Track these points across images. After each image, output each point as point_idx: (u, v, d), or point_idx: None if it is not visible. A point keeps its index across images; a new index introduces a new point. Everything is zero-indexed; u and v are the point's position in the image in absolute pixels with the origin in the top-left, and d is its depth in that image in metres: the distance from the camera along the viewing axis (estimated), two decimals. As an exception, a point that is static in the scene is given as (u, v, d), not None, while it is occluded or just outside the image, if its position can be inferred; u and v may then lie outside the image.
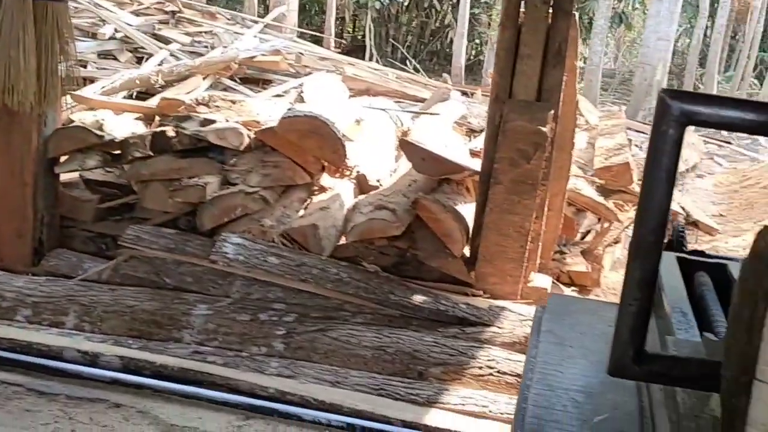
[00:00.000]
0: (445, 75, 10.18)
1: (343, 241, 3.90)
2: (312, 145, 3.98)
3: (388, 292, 3.66)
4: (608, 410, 1.67)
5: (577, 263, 4.54)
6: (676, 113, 1.36)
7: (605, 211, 4.60)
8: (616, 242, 5.04)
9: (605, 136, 5.97)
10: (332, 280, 3.67)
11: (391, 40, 15.62)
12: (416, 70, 12.29)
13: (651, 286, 1.52)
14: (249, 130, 4.24)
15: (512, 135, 3.63)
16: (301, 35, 11.36)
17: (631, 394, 1.72)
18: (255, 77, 7.35)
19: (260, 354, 3.45)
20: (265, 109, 4.69)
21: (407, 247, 3.90)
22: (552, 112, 3.67)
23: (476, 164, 4.07)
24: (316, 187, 4.25)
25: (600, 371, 1.92)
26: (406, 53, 14.76)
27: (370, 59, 12.26)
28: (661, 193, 1.40)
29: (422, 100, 6.65)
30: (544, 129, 3.60)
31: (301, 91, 6.01)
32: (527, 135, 3.61)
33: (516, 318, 3.59)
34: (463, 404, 3.20)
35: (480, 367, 3.35)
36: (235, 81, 7.05)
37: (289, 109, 4.26)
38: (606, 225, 4.60)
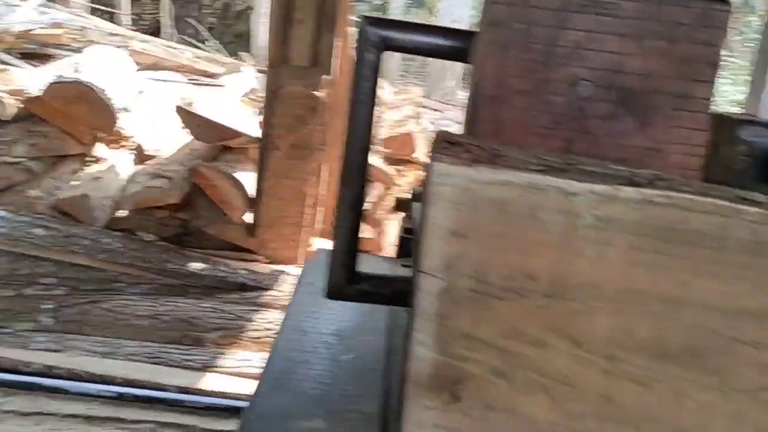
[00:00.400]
0: (241, 53, 10.04)
1: (123, 213, 3.77)
2: (80, 111, 3.82)
3: (165, 261, 3.58)
4: (358, 350, 1.72)
5: (362, 229, 4.62)
6: (374, 39, 1.41)
7: (383, 176, 4.72)
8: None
9: (393, 109, 6.13)
10: (105, 250, 3.55)
11: (192, 21, 15.21)
12: (218, 51, 12.04)
13: (360, 206, 1.57)
14: (15, 100, 4.01)
15: (287, 100, 3.65)
16: (94, 11, 10.83)
17: (382, 336, 1.78)
18: (36, 52, 6.93)
19: (25, 330, 3.28)
20: (34, 79, 4.44)
21: (189, 218, 3.84)
22: (326, 76, 3.72)
23: (256, 130, 4.05)
24: (91, 158, 4.08)
25: (355, 316, 1.97)
26: (208, 34, 14.44)
27: (170, 39, 11.87)
28: (363, 114, 1.45)
29: (213, 76, 6.55)
30: (318, 93, 3.64)
31: (77, 62, 5.73)
32: (302, 100, 3.64)
33: (295, 281, 3.61)
34: (240, 367, 3.20)
35: (258, 330, 3.36)
36: (12, 55, 6.61)
37: (58, 77, 4.06)
38: (385, 190, 4.71)
